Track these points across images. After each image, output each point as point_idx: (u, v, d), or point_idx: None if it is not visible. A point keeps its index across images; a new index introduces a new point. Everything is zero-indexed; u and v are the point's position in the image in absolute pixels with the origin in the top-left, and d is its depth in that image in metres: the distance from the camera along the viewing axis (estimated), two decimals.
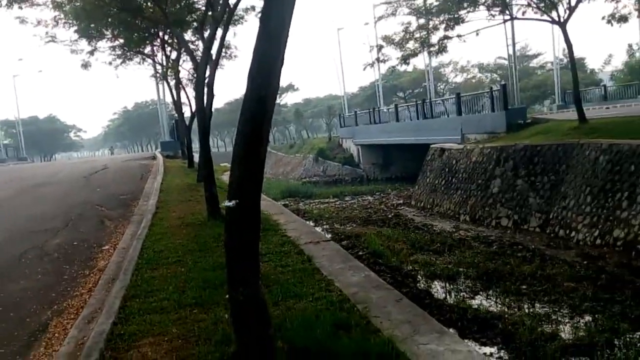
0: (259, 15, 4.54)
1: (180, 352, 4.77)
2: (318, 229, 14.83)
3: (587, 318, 8.11)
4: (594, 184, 12.91)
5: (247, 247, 4.46)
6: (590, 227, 12.52)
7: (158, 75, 26.89)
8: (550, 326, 7.80)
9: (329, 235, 13.91)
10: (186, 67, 22.67)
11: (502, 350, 7.07)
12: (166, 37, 21.37)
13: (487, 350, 7.07)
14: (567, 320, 8.11)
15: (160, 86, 31.10)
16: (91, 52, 22.34)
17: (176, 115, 27.94)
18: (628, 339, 7.11)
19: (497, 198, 16.90)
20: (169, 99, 29.59)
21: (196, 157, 20.31)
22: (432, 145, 24.00)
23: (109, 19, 18.43)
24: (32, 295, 7.20)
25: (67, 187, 18.25)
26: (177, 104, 24.56)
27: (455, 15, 20.09)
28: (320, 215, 20.98)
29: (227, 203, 4.42)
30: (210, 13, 13.41)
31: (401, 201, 25.13)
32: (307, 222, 14.53)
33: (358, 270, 7.28)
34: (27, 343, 5.62)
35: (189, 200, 14.42)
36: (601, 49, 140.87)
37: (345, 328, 5.05)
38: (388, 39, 22.17)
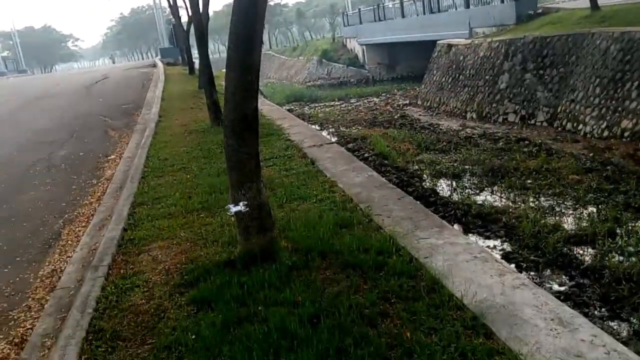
0: None
1: (189, 254, 4.93)
2: (324, 133, 14.80)
3: (591, 209, 8.19)
4: (603, 74, 12.57)
5: (248, 152, 4.45)
6: (598, 119, 12.36)
7: None
8: (553, 218, 7.89)
9: (334, 139, 13.90)
10: None
11: (505, 243, 7.21)
12: None
13: (490, 243, 7.23)
14: (570, 212, 8.20)
15: None
16: None
17: (173, 20, 27.00)
18: (630, 228, 7.20)
19: (504, 94, 16.58)
20: (165, 3, 28.38)
21: (197, 64, 19.87)
22: (438, 42, 23.23)
23: None
24: (42, 205, 7.36)
25: (69, 99, 18.13)
26: (174, 8, 23.61)
27: None
28: (325, 119, 20.82)
29: (233, 208, 4.41)
30: None
31: (407, 101, 24.78)
32: (312, 126, 14.45)
33: (361, 171, 7.32)
34: (42, 250, 5.82)
35: (191, 107, 14.32)
36: None
37: (348, 227, 5.14)
38: None
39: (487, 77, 17.70)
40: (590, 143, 12.02)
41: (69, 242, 5.95)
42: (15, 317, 4.37)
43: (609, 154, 10.91)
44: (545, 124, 14.53)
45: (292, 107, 25.99)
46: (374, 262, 4.30)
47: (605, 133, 11.94)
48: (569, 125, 13.43)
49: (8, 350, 3.86)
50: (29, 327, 4.15)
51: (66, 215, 6.86)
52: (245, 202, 4.40)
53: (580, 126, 12.93)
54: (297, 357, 3.17)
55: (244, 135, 4.42)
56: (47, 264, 5.43)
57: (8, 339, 4.01)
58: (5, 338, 4.04)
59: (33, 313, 4.38)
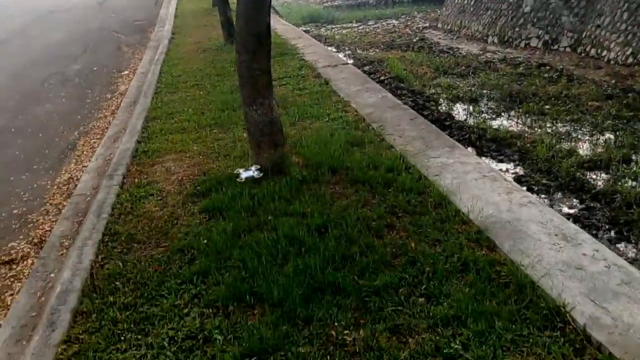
0: None
1: (202, 167, 5.00)
2: (340, 55, 14.47)
3: (608, 135, 8.05)
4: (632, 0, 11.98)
5: (260, 69, 4.39)
6: (623, 46, 11.91)
7: None
8: (569, 144, 7.78)
9: (350, 61, 13.61)
10: None
11: (518, 167, 7.17)
12: None
13: (503, 166, 7.19)
14: (587, 138, 8.07)
15: None
16: None
17: None
18: None
19: (528, 18, 15.94)
20: None
21: None
22: None
23: None
24: (58, 118, 7.43)
25: (81, 13, 17.80)
26: None
27: None
28: (342, 41, 20.25)
29: (244, 173, 4.39)
30: None
31: (427, 24, 23.93)
32: (328, 48, 14.12)
33: (375, 92, 7.22)
34: (58, 160, 5.94)
35: (204, 25, 14.01)
36: None
37: (359, 145, 5.15)
38: None
39: (511, 0, 16.98)
40: (613, 70, 11.65)
41: (84, 152, 6.05)
42: (34, 219, 4.54)
43: (631, 81, 10.59)
44: (568, 49, 14.04)
45: (308, 28, 25.25)
46: (383, 179, 4.33)
47: (630, 60, 11.54)
48: (592, 51, 12.98)
49: (28, 250, 4.04)
50: (47, 229, 4.31)
51: (81, 128, 6.94)
52: (258, 167, 4.43)
53: (605, 52, 12.49)
54: (305, 262, 3.28)
55: (256, 51, 4.35)
56: (63, 172, 5.55)
57: (28, 239, 4.19)
58: (25, 238, 4.22)
59: (51, 217, 4.54)
